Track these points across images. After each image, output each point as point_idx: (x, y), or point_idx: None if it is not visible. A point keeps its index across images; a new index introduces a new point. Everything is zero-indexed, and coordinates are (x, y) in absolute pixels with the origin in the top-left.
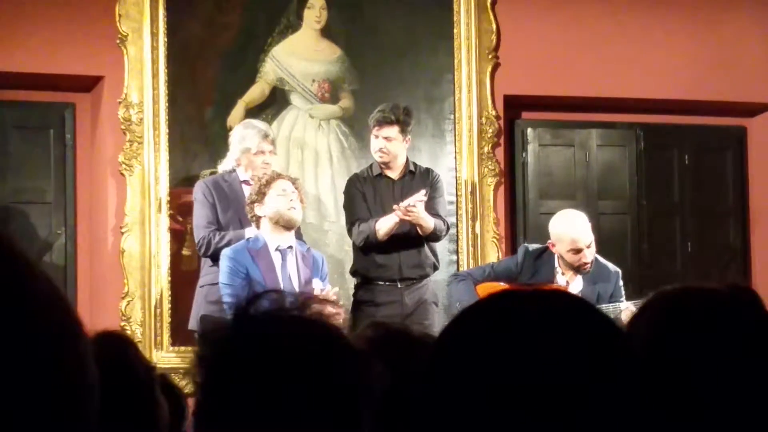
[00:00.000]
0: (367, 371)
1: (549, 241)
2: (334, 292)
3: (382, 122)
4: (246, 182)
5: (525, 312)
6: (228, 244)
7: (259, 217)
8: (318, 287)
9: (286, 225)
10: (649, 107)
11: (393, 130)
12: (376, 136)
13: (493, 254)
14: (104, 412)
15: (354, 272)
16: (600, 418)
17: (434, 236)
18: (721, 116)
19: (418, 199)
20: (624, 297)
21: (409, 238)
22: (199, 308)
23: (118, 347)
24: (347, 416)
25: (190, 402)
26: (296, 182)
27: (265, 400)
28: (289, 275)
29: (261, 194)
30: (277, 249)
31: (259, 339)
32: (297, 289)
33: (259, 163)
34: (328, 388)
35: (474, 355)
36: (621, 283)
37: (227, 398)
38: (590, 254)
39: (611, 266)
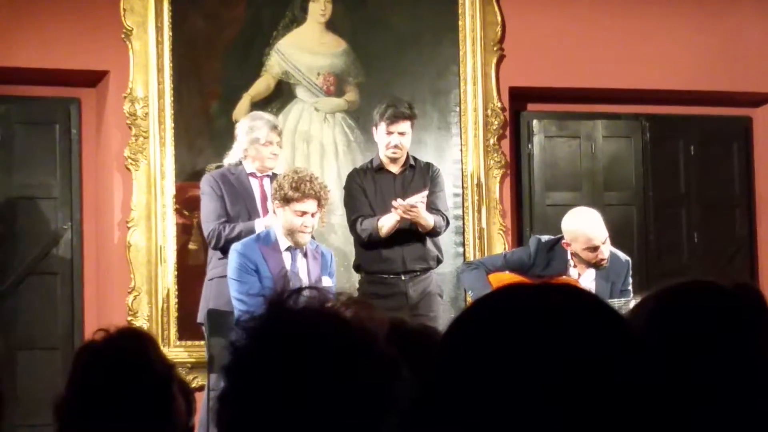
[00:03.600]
0: (395, 377)
1: (563, 240)
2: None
3: (398, 117)
4: (253, 174)
5: (533, 308)
6: (238, 236)
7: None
8: (327, 285)
9: (292, 243)
10: (654, 98)
11: (407, 125)
12: (390, 132)
13: (499, 246)
14: (122, 407)
15: (357, 267)
16: (607, 416)
17: (434, 232)
18: (726, 106)
19: (419, 199)
20: (631, 285)
21: (412, 232)
22: (207, 301)
23: (139, 344)
24: (370, 418)
25: (197, 396)
26: (323, 201)
27: (289, 394)
28: (298, 273)
29: (286, 200)
30: (287, 249)
31: (292, 333)
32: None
33: (267, 153)
34: (352, 390)
35: (480, 352)
36: (630, 272)
37: (253, 389)
38: (607, 250)
39: (622, 256)
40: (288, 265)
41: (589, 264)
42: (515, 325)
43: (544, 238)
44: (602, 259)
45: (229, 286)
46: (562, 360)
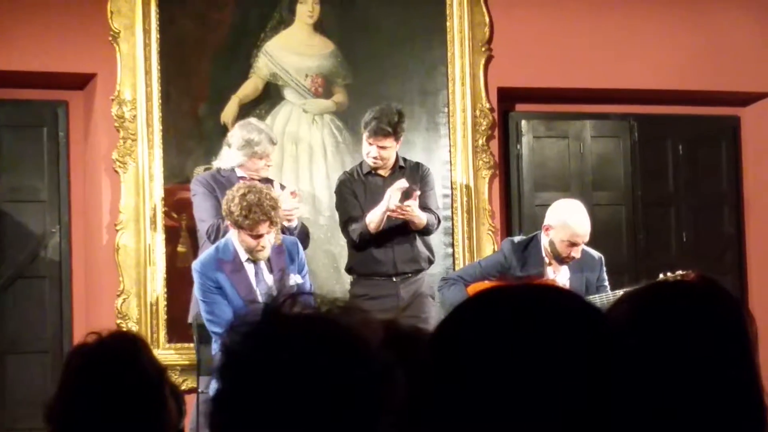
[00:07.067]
0: (390, 382)
1: (544, 224)
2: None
3: (378, 134)
4: (243, 178)
5: (519, 309)
6: None
7: None
8: (296, 282)
9: (250, 258)
10: (642, 98)
11: (388, 141)
12: (371, 143)
13: (489, 247)
14: (114, 410)
15: (349, 269)
16: (592, 412)
17: (426, 230)
18: (714, 106)
19: (406, 192)
20: (607, 281)
21: (402, 233)
22: (197, 302)
23: (130, 347)
24: (364, 423)
25: (186, 399)
26: (274, 219)
27: (283, 399)
28: (264, 280)
29: (237, 225)
30: (248, 259)
31: (286, 338)
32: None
33: (262, 165)
34: (347, 395)
35: (467, 353)
36: (604, 268)
37: (247, 392)
38: (580, 251)
39: (595, 253)
40: (252, 276)
41: (558, 257)
42: (503, 325)
43: (516, 239)
44: (573, 258)
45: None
46: (549, 358)
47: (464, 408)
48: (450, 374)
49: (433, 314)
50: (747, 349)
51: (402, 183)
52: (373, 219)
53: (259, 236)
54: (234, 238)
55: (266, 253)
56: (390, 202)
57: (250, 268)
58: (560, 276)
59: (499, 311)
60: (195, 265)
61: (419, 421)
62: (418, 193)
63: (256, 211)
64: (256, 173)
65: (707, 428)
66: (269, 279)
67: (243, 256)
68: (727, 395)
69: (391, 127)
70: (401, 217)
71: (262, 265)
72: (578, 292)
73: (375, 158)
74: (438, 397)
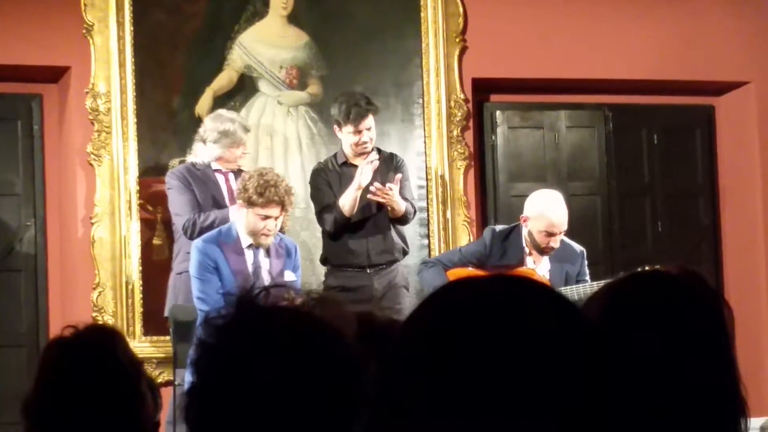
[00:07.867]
0: (363, 374)
1: (522, 215)
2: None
3: (364, 115)
4: (218, 171)
5: (488, 300)
6: (212, 224)
7: None
8: (290, 279)
9: (254, 243)
10: (617, 88)
11: (371, 120)
12: (359, 131)
13: (464, 237)
14: (91, 404)
15: (324, 260)
16: (561, 404)
17: (404, 219)
18: (689, 95)
19: (394, 183)
20: (588, 275)
21: (376, 224)
22: (176, 295)
23: (107, 340)
24: (339, 415)
25: (163, 392)
26: (287, 205)
27: (257, 391)
28: (260, 270)
29: (250, 203)
30: (249, 246)
31: (260, 330)
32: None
33: (239, 153)
34: (321, 388)
35: (437, 344)
36: (586, 262)
37: (221, 385)
38: (559, 240)
39: (576, 246)
40: (250, 263)
41: (537, 247)
42: (471, 318)
43: (498, 227)
44: (552, 248)
45: (191, 282)
46: (519, 351)
47: (435, 397)
48: (421, 362)
49: (407, 305)
50: (726, 343)
51: (373, 156)
52: (346, 201)
53: (267, 217)
54: (239, 222)
55: (269, 240)
56: (362, 179)
57: (249, 254)
58: (540, 267)
59: (468, 304)
60: (197, 242)
61: (392, 412)
62: (400, 176)
63: (272, 191)
64: (234, 163)
65: (686, 421)
66: (265, 268)
67: (245, 242)
68: (705, 388)
69: (368, 105)
70: (382, 201)
71: (261, 253)
72: (557, 284)
73: (366, 143)
74: (409, 386)
